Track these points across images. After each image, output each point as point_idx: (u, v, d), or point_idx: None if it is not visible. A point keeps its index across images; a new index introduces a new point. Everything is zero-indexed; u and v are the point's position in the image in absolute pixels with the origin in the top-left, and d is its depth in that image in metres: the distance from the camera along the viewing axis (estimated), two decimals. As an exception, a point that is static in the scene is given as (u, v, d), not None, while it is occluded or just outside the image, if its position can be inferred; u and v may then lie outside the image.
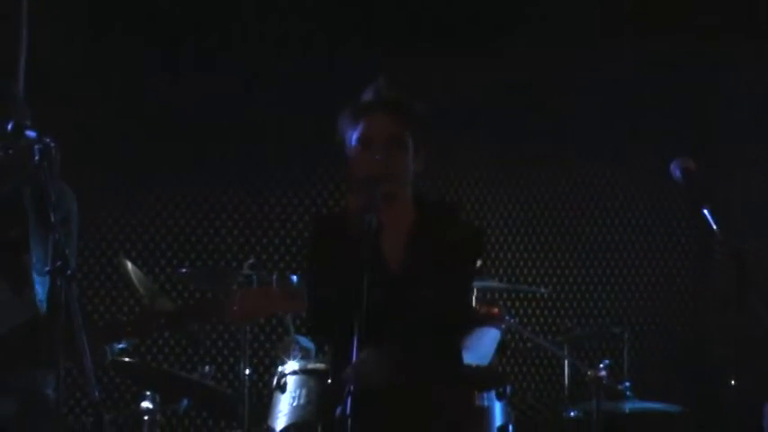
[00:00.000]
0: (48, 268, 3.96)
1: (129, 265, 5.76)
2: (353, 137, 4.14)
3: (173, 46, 7.48)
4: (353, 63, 7.21)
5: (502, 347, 6.36)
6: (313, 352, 6.17)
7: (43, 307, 4.24)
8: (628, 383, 6.75)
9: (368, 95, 4.16)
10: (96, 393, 3.76)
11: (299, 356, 6.04)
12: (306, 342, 6.13)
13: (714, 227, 3.85)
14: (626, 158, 8.22)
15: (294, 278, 5.37)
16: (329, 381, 5.14)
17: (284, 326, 6.52)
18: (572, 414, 6.74)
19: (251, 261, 6.22)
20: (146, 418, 5.75)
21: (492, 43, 7.70)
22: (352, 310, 3.67)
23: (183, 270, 6.73)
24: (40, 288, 4.24)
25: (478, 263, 4.17)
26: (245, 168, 7.67)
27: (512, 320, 6.69)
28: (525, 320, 7.98)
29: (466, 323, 4.45)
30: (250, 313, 4.20)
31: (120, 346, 5.00)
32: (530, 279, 8.10)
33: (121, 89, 7.41)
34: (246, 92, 7.55)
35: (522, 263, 8.17)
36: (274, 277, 4.55)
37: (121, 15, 7.46)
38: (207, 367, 6.13)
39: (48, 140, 3.91)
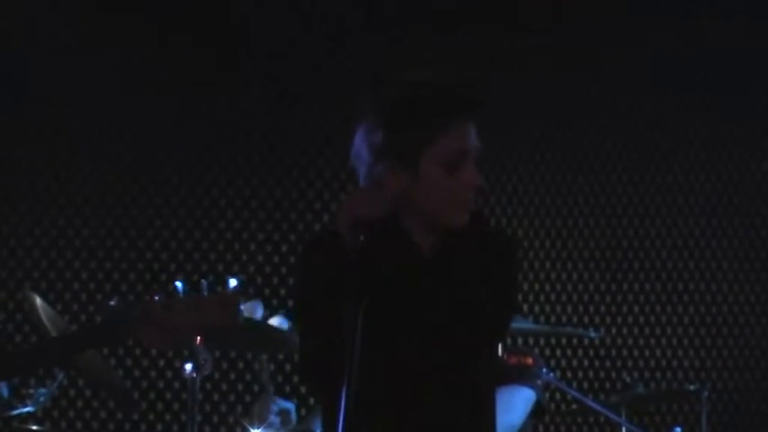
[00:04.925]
0: None
1: (38, 300, 5.46)
2: (431, 153, 3.71)
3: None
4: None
5: (537, 411, 5.97)
6: (293, 416, 6.00)
7: None
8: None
9: (443, 93, 3.76)
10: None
11: (277, 425, 5.90)
12: (284, 404, 6.00)
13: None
14: (703, 158, 7.79)
15: (233, 281, 4.79)
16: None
17: (260, 383, 6.39)
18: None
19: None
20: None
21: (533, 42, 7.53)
22: (345, 352, 3.47)
23: (112, 303, 6.35)
24: None
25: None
26: (187, 180, 7.31)
27: (551, 374, 6.43)
28: (569, 374, 7.64)
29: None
30: (175, 332, 3.74)
31: (27, 408, 4.92)
32: (575, 319, 7.69)
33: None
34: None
35: (564, 297, 7.66)
36: (204, 283, 3.86)
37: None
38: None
39: None
